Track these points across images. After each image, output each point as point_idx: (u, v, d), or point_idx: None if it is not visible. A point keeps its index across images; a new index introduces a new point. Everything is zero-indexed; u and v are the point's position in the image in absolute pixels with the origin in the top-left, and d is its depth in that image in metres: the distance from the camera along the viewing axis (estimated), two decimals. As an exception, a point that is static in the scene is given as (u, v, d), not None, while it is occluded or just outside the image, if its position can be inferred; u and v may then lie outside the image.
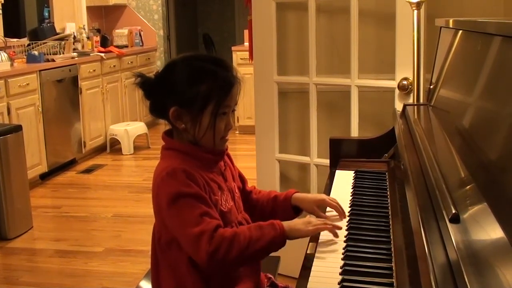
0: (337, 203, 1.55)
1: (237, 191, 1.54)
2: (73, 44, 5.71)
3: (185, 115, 1.40)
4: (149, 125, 6.30)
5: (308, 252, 1.35)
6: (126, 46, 6.86)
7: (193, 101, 1.38)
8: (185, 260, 1.38)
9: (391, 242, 1.32)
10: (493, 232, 0.85)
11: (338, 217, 1.53)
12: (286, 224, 1.39)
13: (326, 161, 2.21)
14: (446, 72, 1.80)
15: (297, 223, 1.40)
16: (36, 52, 5.02)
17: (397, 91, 2.42)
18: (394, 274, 1.17)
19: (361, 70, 2.54)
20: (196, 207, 1.33)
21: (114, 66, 6.08)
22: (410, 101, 2.33)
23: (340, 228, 1.41)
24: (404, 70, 2.38)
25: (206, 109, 1.38)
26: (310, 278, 1.22)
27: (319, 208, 1.56)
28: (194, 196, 1.33)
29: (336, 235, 1.40)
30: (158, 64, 7.31)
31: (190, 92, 1.39)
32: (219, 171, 1.48)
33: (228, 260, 1.32)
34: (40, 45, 5.18)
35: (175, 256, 1.40)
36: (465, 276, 0.75)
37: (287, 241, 1.38)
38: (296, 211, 1.59)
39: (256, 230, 1.36)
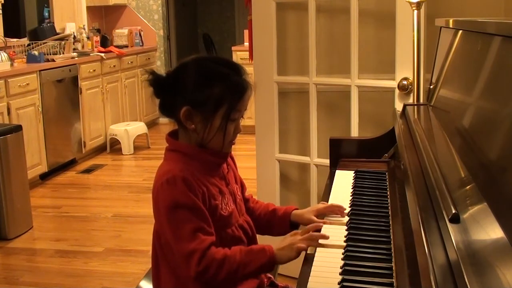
0: (333, 206, 1.55)
1: (239, 193, 1.55)
2: (73, 44, 5.70)
3: (196, 115, 1.39)
4: (149, 125, 6.30)
5: (308, 252, 1.35)
6: (126, 46, 6.85)
7: (206, 102, 1.38)
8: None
9: (391, 242, 1.32)
10: (493, 232, 0.85)
11: (340, 218, 1.53)
12: (276, 249, 1.37)
13: (326, 161, 2.21)
14: (446, 72, 1.80)
15: (284, 247, 1.37)
16: (36, 52, 5.01)
17: (397, 91, 2.42)
18: (394, 274, 1.17)
19: (361, 70, 2.54)
20: (191, 221, 1.33)
21: (114, 66, 6.08)
22: (410, 101, 2.33)
23: (326, 237, 1.37)
24: (404, 70, 2.38)
25: (218, 112, 1.38)
26: (310, 278, 1.22)
27: (318, 217, 1.56)
28: (191, 208, 1.34)
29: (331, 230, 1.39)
30: (158, 64, 7.31)
31: (203, 93, 1.38)
32: (221, 175, 1.48)
33: (215, 281, 1.34)
34: (40, 45, 5.18)
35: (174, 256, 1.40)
36: (465, 276, 0.75)
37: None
38: (293, 227, 1.59)
39: (246, 255, 1.36)
